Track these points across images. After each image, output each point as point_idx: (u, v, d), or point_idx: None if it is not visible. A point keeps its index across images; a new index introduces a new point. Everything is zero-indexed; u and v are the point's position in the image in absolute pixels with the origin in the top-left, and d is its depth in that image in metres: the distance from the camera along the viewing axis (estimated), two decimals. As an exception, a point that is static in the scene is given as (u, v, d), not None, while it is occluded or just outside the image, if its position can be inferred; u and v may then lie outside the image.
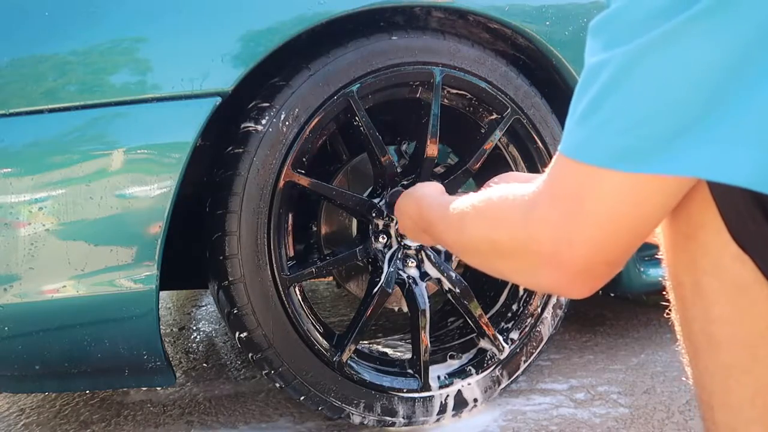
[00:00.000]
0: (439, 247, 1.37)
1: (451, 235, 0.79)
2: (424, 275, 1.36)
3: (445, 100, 1.36)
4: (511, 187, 0.63)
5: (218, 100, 1.09)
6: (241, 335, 1.19)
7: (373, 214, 1.31)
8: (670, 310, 0.59)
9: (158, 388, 1.59)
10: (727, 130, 0.45)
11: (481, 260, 0.70)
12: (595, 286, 0.57)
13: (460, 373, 1.38)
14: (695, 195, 0.52)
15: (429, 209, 0.93)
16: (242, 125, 1.18)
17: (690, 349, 0.57)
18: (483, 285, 1.52)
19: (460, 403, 1.36)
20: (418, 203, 1.01)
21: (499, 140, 1.39)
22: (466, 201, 0.73)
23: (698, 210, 0.52)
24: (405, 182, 1.33)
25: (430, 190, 1.05)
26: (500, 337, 1.40)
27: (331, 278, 1.60)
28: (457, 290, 1.36)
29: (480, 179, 1.61)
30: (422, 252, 1.35)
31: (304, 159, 1.23)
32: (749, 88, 0.45)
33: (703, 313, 0.54)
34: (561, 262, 0.54)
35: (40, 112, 1.03)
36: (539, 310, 1.44)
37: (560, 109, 1.44)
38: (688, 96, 0.46)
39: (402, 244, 1.33)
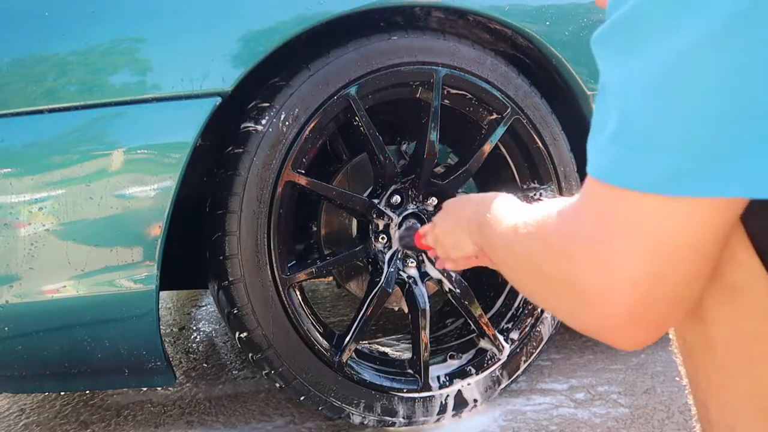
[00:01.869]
0: None
1: (501, 250, 0.69)
2: (424, 275, 1.36)
3: (445, 100, 1.36)
4: (548, 205, 0.57)
5: (218, 100, 1.09)
6: (241, 335, 1.19)
7: (374, 214, 1.31)
8: None
9: (158, 388, 1.59)
10: None
11: (524, 287, 0.63)
12: (647, 337, 0.50)
13: (460, 373, 1.38)
14: None
15: (497, 219, 0.77)
16: (242, 125, 1.18)
17: (684, 349, 0.57)
18: (483, 285, 1.52)
19: (460, 403, 1.36)
20: (492, 207, 0.82)
21: (498, 140, 1.39)
22: (520, 216, 0.64)
23: None
24: (403, 182, 1.33)
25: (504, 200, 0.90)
26: (500, 337, 1.40)
27: (331, 278, 1.60)
28: (458, 290, 1.36)
29: (480, 179, 1.61)
30: (422, 252, 1.35)
31: (304, 159, 1.23)
32: None
33: (697, 314, 0.53)
34: (611, 303, 0.48)
35: (40, 112, 1.03)
36: (539, 310, 1.44)
37: (560, 109, 1.44)
38: (737, 106, 0.41)
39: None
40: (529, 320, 1.43)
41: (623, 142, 0.46)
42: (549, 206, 0.57)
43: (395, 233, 1.33)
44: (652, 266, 0.46)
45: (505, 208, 0.76)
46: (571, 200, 0.54)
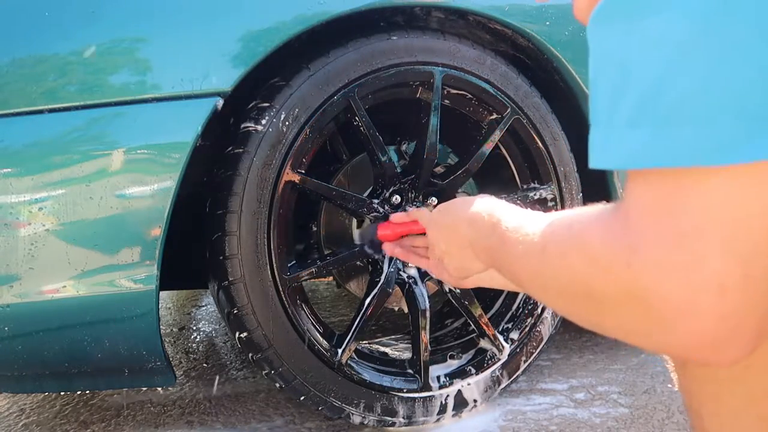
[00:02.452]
0: None
1: (524, 269, 0.58)
2: (424, 275, 1.36)
3: (445, 100, 1.36)
4: (575, 216, 0.50)
5: (218, 100, 1.09)
6: (241, 335, 1.19)
7: (373, 214, 1.31)
8: None
9: (158, 388, 1.59)
10: None
11: (570, 311, 0.52)
12: (758, 341, 0.42)
13: (460, 373, 1.38)
14: None
15: (505, 233, 0.66)
16: (242, 125, 1.18)
17: (678, 359, 0.56)
18: (483, 285, 1.52)
19: (460, 403, 1.36)
20: (490, 221, 0.72)
21: (498, 140, 1.39)
22: (528, 228, 0.57)
23: None
24: (403, 183, 1.33)
25: (468, 204, 0.79)
26: (500, 337, 1.40)
27: (331, 278, 1.60)
28: (458, 290, 1.36)
29: (480, 179, 1.61)
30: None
31: (304, 159, 1.23)
32: None
33: None
34: (697, 318, 0.40)
35: (40, 112, 1.03)
36: (539, 310, 1.44)
37: (560, 109, 1.44)
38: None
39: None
40: (529, 320, 1.43)
41: (653, 119, 0.40)
42: (576, 216, 0.50)
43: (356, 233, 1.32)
44: (739, 260, 0.39)
45: (509, 221, 0.66)
46: (608, 207, 0.47)
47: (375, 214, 1.30)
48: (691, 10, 0.39)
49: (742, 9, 0.37)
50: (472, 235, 0.77)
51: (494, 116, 1.39)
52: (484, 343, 1.42)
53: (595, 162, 0.45)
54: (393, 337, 1.77)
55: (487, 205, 0.74)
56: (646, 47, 0.41)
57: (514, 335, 1.42)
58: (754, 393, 0.52)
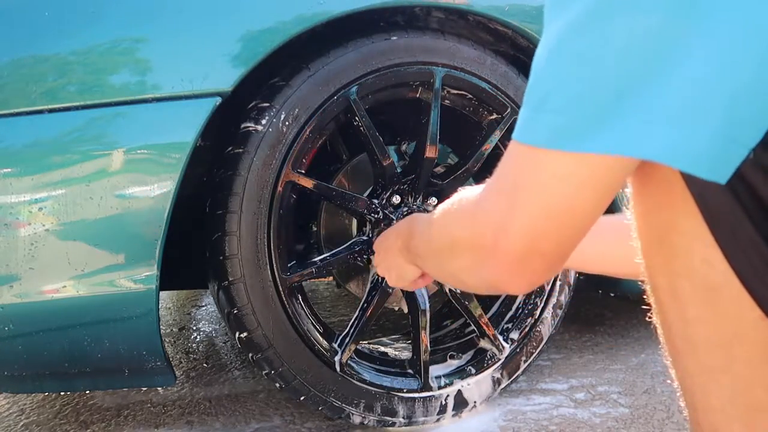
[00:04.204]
0: None
1: (423, 245, 0.76)
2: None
3: (446, 101, 1.36)
4: (476, 187, 0.62)
5: (218, 100, 1.09)
6: (241, 335, 1.19)
7: (373, 214, 1.31)
8: (651, 313, 0.59)
9: (158, 388, 1.59)
10: (647, 108, 0.45)
11: (442, 266, 0.67)
12: (532, 281, 0.54)
13: (460, 373, 1.38)
14: (667, 197, 0.51)
15: (413, 228, 0.88)
16: (242, 125, 1.18)
17: (671, 351, 0.57)
18: (483, 285, 1.52)
19: (460, 403, 1.36)
20: (408, 225, 0.95)
21: (499, 140, 1.39)
22: (437, 209, 0.71)
23: (669, 211, 0.52)
24: (403, 183, 1.33)
25: (417, 215, 1.01)
26: (500, 337, 1.40)
27: (331, 278, 1.60)
28: (458, 290, 1.36)
29: (480, 179, 1.61)
30: None
31: (304, 159, 1.23)
32: (670, 65, 0.44)
33: (679, 315, 0.54)
34: (498, 253, 0.53)
35: (40, 112, 1.03)
36: (539, 310, 1.44)
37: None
38: (613, 73, 0.45)
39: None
40: (529, 320, 1.43)
41: (530, 103, 0.50)
42: (462, 191, 0.63)
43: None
44: (536, 218, 0.50)
45: (422, 218, 0.83)
46: None
47: (375, 215, 1.30)
48: (572, 14, 0.47)
49: (607, 16, 0.45)
50: (398, 244, 0.95)
51: (494, 116, 1.39)
52: (484, 343, 1.42)
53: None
54: (392, 336, 1.77)
55: (409, 217, 0.97)
56: (542, 45, 0.51)
57: (514, 335, 1.42)
58: (741, 384, 0.53)
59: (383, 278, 1.30)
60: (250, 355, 1.22)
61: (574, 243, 0.53)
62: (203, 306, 2.41)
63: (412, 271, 0.97)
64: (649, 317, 0.59)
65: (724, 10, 0.43)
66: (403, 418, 1.31)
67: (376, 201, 1.31)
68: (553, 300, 1.44)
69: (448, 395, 1.35)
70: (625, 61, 0.45)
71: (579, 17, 0.47)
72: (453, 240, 0.61)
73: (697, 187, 0.49)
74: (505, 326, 1.44)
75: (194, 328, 2.16)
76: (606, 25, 0.46)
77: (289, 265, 1.25)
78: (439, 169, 1.45)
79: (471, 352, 1.42)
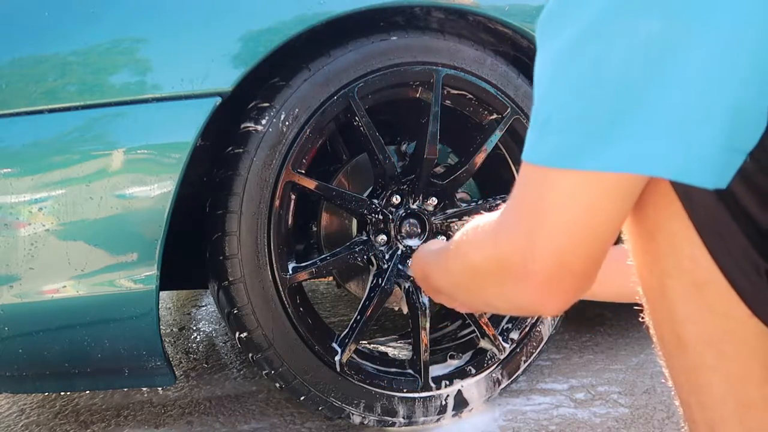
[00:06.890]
0: None
1: (443, 279, 0.76)
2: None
3: (446, 101, 1.36)
4: (487, 214, 0.62)
5: (218, 100, 1.09)
6: (241, 335, 1.19)
7: (373, 214, 1.31)
8: (643, 313, 0.60)
9: (158, 388, 1.59)
10: (646, 124, 0.46)
11: (470, 296, 0.68)
12: (567, 300, 0.54)
13: (460, 373, 1.38)
14: (653, 197, 0.52)
15: (428, 264, 0.89)
16: (242, 125, 1.18)
17: (664, 350, 0.58)
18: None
19: (460, 403, 1.36)
20: (419, 261, 0.96)
21: (499, 140, 1.39)
22: (448, 242, 0.71)
23: (655, 211, 0.52)
24: (403, 183, 1.33)
25: (427, 246, 1.00)
26: (500, 337, 1.40)
27: (331, 278, 1.60)
28: (457, 290, 1.36)
29: (480, 179, 1.61)
30: None
31: (304, 159, 1.23)
32: (668, 79, 0.45)
33: (669, 314, 0.54)
34: (527, 277, 0.52)
35: (40, 112, 1.03)
36: (539, 310, 1.44)
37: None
38: (611, 93, 0.46)
39: (403, 243, 1.33)
40: (528, 320, 1.43)
41: (536, 124, 0.52)
42: (472, 220, 0.64)
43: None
44: (561, 238, 0.50)
45: (430, 254, 0.87)
46: None
47: (375, 215, 1.30)
48: (567, 36, 0.49)
49: (604, 38, 0.47)
50: (424, 286, 0.97)
51: (494, 116, 1.39)
52: (484, 343, 1.42)
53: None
54: (392, 336, 1.77)
55: (414, 257, 1.01)
56: (541, 66, 0.52)
57: (514, 335, 1.42)
58: (732, 380, 0.53)
59: (383, 279, 1.30)
60: (250, 355, 1.22)
61: (600, 257, 0.53)
62: (203, 306, 2.41)
63: (447, 302, 0.96)
64: (643, 317, 0.59)
65: (718, 23, 0.44)
66: (403, 418, 1.31)
67: (376, 201, 1.31)
68: (553, 300, 1.44)
69: (448, 395, 1.35)
70: (622, 79, 0.46)
71: (577, 36, 0.48)
72: (474, 269, 0.61)
73: (682, 187, 0.49)
74: (505, 326, 1.44)
75: (194, 328, 2.16)
76: (603, 45, 0.47)
77: (289, 265, 1.25)
78: (439, 169, 1.45)
79: (471, 352, 1.42)
